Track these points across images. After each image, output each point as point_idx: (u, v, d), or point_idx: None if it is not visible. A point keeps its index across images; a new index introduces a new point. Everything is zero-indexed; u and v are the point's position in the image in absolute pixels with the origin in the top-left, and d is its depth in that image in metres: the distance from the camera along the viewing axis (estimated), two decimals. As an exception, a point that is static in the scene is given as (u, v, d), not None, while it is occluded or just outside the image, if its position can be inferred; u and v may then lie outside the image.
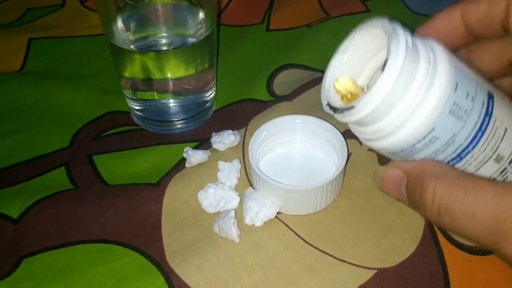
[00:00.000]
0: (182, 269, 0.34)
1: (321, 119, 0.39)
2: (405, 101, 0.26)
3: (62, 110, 0.47)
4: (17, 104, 0.48)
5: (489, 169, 0.29)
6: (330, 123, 0.39)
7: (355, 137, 0.42)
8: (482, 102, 0.27)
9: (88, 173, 0.41)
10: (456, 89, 0.27)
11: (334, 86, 0.31)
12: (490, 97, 0.28)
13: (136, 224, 0.37)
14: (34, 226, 0.37)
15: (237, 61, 0.52)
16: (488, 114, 0.27)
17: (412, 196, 0.28)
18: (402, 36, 0.26)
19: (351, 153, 0.40)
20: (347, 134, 0.40)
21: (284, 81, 0.49)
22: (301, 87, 0.47)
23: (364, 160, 0.40)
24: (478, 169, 0.28)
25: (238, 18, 0.57)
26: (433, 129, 0.27)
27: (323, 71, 0.49)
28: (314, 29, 0.55)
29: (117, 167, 0.42)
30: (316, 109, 0.44)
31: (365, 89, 0.31)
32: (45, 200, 0.38)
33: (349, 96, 0.30)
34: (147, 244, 0.36)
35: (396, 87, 0.26)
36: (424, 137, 0.27)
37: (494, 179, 0.29)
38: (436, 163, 0.28)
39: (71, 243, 0.36)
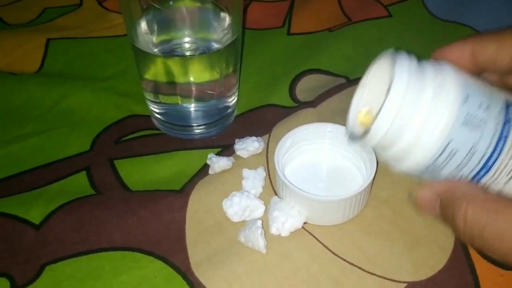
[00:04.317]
0: (208, 280, 0.33)
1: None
2: (417, 118, 0.27)
3: (82, 112, 0.47)
4: (36, 106, 0.47)
5: None
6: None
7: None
8: (498, 110, 0.28)
9: (109, 178, 0.40)
10: (467, 100, 0.27)
11: (358, 119, 0.32)
12: (508, 105, 0.28)
13: (159, 232, 0.36)
14: (55, 232, 0.36)
15: (258, 65, 0.51)
16: (508, 120, 0.28)
17: (445, 217, 0.29)
18: (405, 60, 0.28)
19: (378, 163, 0.40)
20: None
21: (306, 86, 0.48)
22: (324, 93, 0.47)
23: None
24: (511, 177, 0.29)
25: (258, 21, 0.57)
26: (450, 141, 0.27)
27: (346, 77, 0.49)
28: (336, 34, 0.55)
29: (139, 172, 0.41)
30: (340, 116, 0.43)
31: None
32: (66, 206, 0.38)
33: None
34: (171, 252, 0.35)
35: (405, 106, 0.27)
36: (443, 151, 0.28)
37: None
38: (467, 184, 0.29)
39: (94, 250, 0.35)
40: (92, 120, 0.46)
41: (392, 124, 0.27)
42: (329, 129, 0.39)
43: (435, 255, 0.34)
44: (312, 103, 0.46)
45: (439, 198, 0.30)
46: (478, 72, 0.32)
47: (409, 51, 0.52)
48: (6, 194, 0.39)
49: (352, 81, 0.48)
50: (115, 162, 0.42)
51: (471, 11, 0.57)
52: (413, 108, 0.27)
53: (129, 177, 0.41)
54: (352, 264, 0.34)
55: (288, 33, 0.55)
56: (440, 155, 0.28)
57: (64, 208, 0.38)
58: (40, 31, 0.55)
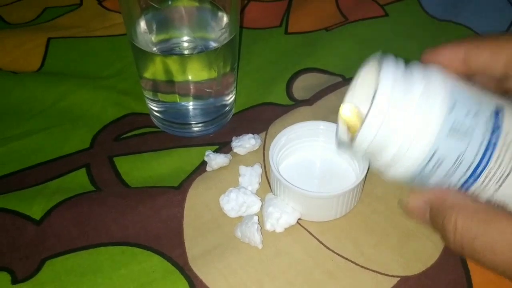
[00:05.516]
0: (205, 274, 0.34)
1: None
2: (403, 127, 0.27)
3: (81, 110, 0.47)
4: (36, 104, 0.48)
5: None
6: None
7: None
8: (487, 117, 0.27)
9: (109, 175, 0.41)
10: (453, 108, 0.27)
11: (339, 115, 0.32)
12: (498, 111, 0.28)
13: (158, 227, 0.37)
14: (56, 228, 0.37)
15: (255, 64, 0.52)
16: (497, 127, 0.27)
17: (435, 226, 0.29)
18: (391, 66, 0.28)
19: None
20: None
21: (303, 85, 0.49)
22: (320, 91, 0.47)
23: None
24: (500, 185, 0.28)
25: (256, 21, 0.57)
26: (436, 150, 0.27)
27: (342, 76, 0.49)
28: (332, 33, 0.55)
29: (138, 169, 0.42)
30: (336, 115, 0.44)
31: None
32: (66, 202, 0.38)
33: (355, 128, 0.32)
34: (169, 247, 0.36)
35: (390, 114, 0.27)
36: (430, 159, 0.28)
37: None
38: (456, 193, 0.29)
39: (93, 245, 0.36)
40: (92, 118, 0.46)
41: (377, 133, 0.27)
42: (323, 127, 0.39)
43: (427, 250, 0.35)
44: (309, 101, 0.46)
45: (429, 206, 0.30)
46: (469, 75, 0.31)
47: (405, 51, 0.53)
48: (7, 190, 0.40)
49: (348, 80, 0.49)
50: (115, 159, 0.42)
51: (467, 10, 0.58)
52: (398, 116, 0.27)
53: (128, 174, 0.41)
54: (346, 258, 0.35)
55: (286, 33, 0.56)
56: (427, 164, 0.28)
57: (64, 204, 0.38)
58: (41, 30, 0.56)
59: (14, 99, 0.48)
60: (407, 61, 0.52)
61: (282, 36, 0.56)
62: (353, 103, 0.32)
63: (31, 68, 0.52)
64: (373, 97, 0.27)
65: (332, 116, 0.42)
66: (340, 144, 0.32)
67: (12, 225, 0.37)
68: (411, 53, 0.52)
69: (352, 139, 0.29)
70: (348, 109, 0.32)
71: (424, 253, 0.35)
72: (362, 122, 0.28)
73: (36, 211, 0.38)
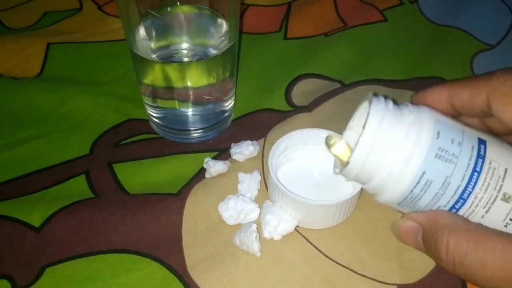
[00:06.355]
0: (203, 281, 0.34)
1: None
2: (392, 152, 0.30)
3: (81, 116, 0.47)
4: (36, 109, 0.48)
5: (500, 209, 0.30)
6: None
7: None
8: (471, 146, 0.30)
9: (108, 182, 0.41)
10: (438, 136, 0.30)
11: (326, 146, 0.35)
12: (482, 142, 0.30)
13: (157, 234, 0.37)
14: (56, 235, 0.37)
15: (254, 70, 0.52)
16: (481, 156, 0.30)
17: (428, 247, 0.31)
18: (382, 100, 0.31)
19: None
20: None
21: (302, 91, 0.49)
22: (320, 97, 0.47)
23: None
24: (488, 210, 0.30)
25: (255, 26, 0.57)
26: (424, 172, 0.29)
27: (341, 82, 0.50)
28: (332, 38, 0.55)
29: (137, 175, 0.42)
30: (335, 121, 0.44)
31: None
32: (66, 208, 0.39)
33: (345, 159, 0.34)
34: (168, 254, 0.36)
35: (379, 142, 0.29)
36: (418, 182, 0.30)
37: (511, 219, 0.31)
38: (448, 214, 0.30)
39: (93, 252, 0.36)
40: (91, 124, 0.47)
41: (367, 159, 0.30)
42: (322, 134, 0.39)
43: (424, 259, 0.35)
44: (308, 108, 0.46)
45: (421, 229, 0.31)
46: (455, 115, 0.33)
47: (404, 56, 0.54)
48: (7, 197, 0.40)
49: (347, 86, 0.49)
50: (114, 165, 0.43)
51: (466, 15, 0.58)
52: (387, 143, 0.29)
53: (127, 180, 0.42)
54: (344, 266, 0.35)
55: (285, 38, 0.56)
56: (415, 186, 0.30)
57: (64, 211, 0.38)
58: (41, 35, 0.56)
59: (14, 104, 0.48)
60: (407, 66, 0.52)
61: (281, 41, 0.56)
62: (352, 141, 0.34)
63: (31, 73, 0.52)
64: (364, 125, 0.29)
65: (331, 123, 0.43)
66: (333, 171, 0.35)
67: (12, 232, 0.37)
68: (411, 58, 0.53)
69: (344, 165, 0.31)
70: (336, 145, 0.34)
71: (421, 261, 0.35)
72: (353, 148, 0.30)
73: (36, 218, 0.38)
